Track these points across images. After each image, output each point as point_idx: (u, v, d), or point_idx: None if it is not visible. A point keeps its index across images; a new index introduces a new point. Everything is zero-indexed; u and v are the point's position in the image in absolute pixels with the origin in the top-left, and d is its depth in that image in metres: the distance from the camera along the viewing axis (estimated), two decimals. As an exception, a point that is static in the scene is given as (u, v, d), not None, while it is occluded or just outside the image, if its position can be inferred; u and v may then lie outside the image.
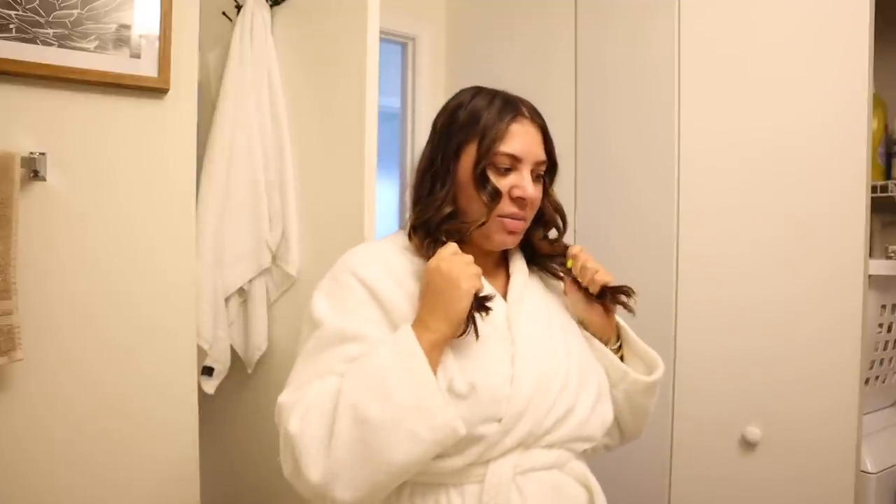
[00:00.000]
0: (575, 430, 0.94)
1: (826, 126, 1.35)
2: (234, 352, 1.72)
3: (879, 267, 1.42)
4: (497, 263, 1.05)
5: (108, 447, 1.34)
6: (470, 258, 0.91)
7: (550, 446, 0.92)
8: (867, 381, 1.44)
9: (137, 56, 1.35)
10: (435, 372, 0.85)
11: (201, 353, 1.58)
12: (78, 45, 1.28)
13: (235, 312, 1.72)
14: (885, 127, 1.66)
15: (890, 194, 1.56)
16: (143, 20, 1.35)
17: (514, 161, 0.96)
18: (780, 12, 1.42)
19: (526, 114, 0.99)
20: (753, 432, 1.43)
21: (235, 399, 1.80)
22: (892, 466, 1.41)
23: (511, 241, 1.00)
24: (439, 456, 0.85)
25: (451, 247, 0.92)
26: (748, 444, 1.44)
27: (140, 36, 1.35)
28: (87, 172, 1.32)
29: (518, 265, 1.05)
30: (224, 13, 1.76)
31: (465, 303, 0.87)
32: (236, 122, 1.66)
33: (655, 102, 1.62)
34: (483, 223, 0.95)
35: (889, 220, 1.73)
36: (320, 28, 1.63)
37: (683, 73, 1.57)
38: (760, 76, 1.45)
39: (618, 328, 1.12)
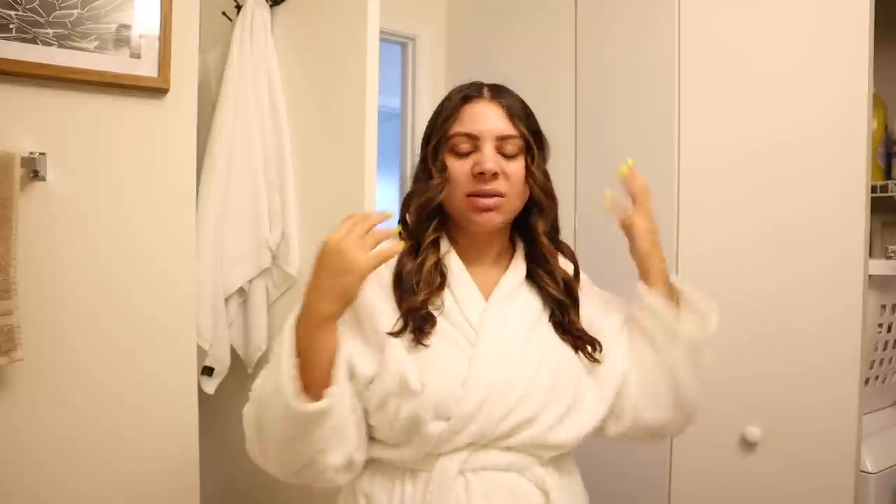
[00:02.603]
0: (537, 437, 0.92)
1: (826, 126, 1.35)
2: (234, 352, 1.72)
3: (879, 267, 1.42)
4: (498, 257, 1.04)
5: (108, 447, 1.34)
6: (371, 237, 0.87)
7: (508, 449, 0.92)
8: (867, 381, 1.44)
9: (137, 56, 1.35)
10: (331, 348, 0.87)
11: (201, 353, 1.58)
12: (78, 45, 1.29)
13: (235, 312, 1.72)
14: (885, 127, 1.66)
15: (890, 194, 1.56)
16: (143, 20, 1.35)
17: (472, 140, 0.96)
18: (780, 12, 1.42)
19: (485, 94, 0.99)
20: (753, 432, 1.43)
21: (235, 399, 1.80)
22: (892, 466, 1.41)
23: (488, 220, 0.97)
24: (395, 444, 0.92)
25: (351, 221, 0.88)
26: (748, 444, 1.44)
27: (140, 36, 1.35)
28: (87, 172, 1.32)
29: (517, 262, 1.04)
30: (224, 13, 1.76)
31: (350, 279, 0.85)
32: (236, 122, 1.66)
33: (656, 101, 1.62)
34: (431, 201, 0.96)
35: (889, 220, 1.73)
36: (320, 28, 1.63)
37: (683, 72, 1.57)
38: (760, 75, 1.45)
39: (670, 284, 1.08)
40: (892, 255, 1.59)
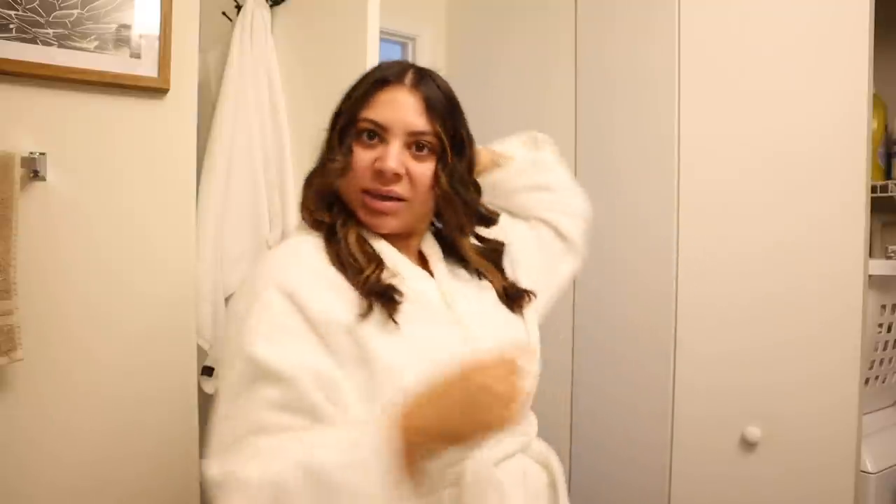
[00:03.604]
0: (527, 395, 0.86)
1: (826, 126, 1.35)
2: (234, 352, 1.72)
3: (879, 267, 1.42)
4: (415, 248, 0.96)
5: (108, 447, 1.34)
6: (519, 371, 0.73)
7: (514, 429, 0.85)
8: (867, 381, 1.44)
9: (137, 56, 1.35)
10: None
11: (201, 353, 1.58)
12: (78, 45, 1.28)
13: (235, 312, 1.72)
14: (885, 127, 1.66)
15: (890, 194, 1.56)
16: (143, 20, 1.35)
17: (379, 129, 0.86)
18: (780, 12, 1.42)
19: (406, 81, 0.88)
20: (753, 432, 1.43)
21: (235, 399, 1.80)
22: (892, 466, 1.41)
23: (381, 224, 0.88)
24: None
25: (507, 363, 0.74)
26: (748, 444, 1.44)
27: (140, 36, 1.35)
28: (87, 173, 1.32)
29: (431, 248, 0.97)
30: (224, 13, 1.76)
31: (494, 429, 0.73)
32: (236, 122, 1.66)
33: (655, 101, 1.62)
34: (329, 186, 0.87)
35: (889, 220, 1.73)
36: (320, 28, 1.63)
37: (683, 72, 1.57)
38: (760, 75, 1.45)
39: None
40: (892, 255, 1.59)
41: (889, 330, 1.50)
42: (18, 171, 1.19)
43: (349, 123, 0.88)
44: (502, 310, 0.97)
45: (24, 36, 1.23)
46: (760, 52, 1.45)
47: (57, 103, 1.28)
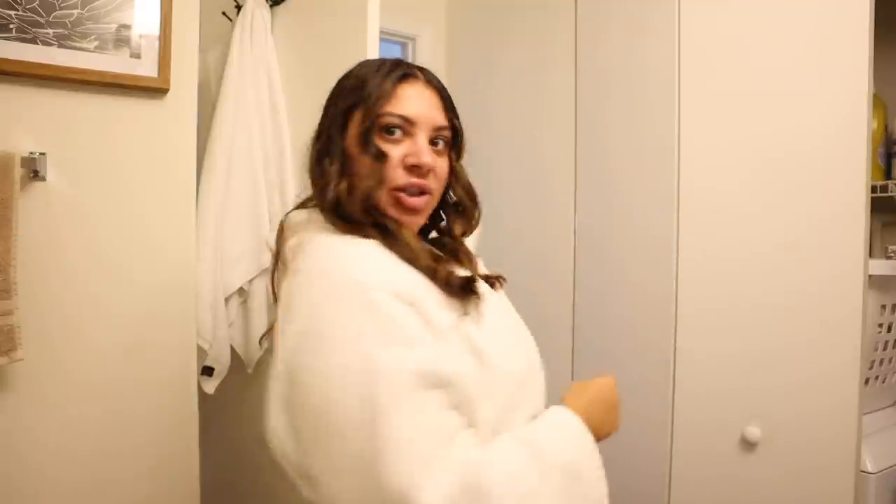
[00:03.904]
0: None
1: (826, 126, 1.35)
2: (234, 352, 1.72)
3: (879, 267, 1.42)
4: None
5: (108, 447, 1.34)
6: (613, 380, 0.91)
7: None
8: (867, 381, 1.44)
9: (137, 56, 1.35)
10: None
11: (201, 353, 1.58)
12: (78, 45, 1.28)
13: (235, 312, 1.72)
14: (885, 127, 1.66)
15: (890, 194, 1.56)
16: (143, 20, 1.35)
17: (406, 124, 0.85)
18: (780, 12, 1.42)
19: (419, 76, 0.89)
20: (753, 432, 1.43)
21: (235, 399, 1.80)
22: (892, 466, 1.41)
23: (412, 221, 0.87)
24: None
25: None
26: (748, 444, 1.44)
27: (140, 36, 1.35)
28: (87, 173, 1.32)
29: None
30: (224, 13, 1.76)
31: (611, 433, 0.90)
32: (236, 122, 1.66)
33: (656, 101, 1.62)
34: (371, 190, 0.82)
35: (889, 220, 1.73)
36: (320, 28, 1.63)
37: (683, 72, 1.57)
38: (760, 75, 1.45)
39: None
40: (892, 255, 1.59)
41: (889, 330, 1.50)
42: (18, 171, 1.19)
43: (368, 117, 0.85)
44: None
45: (24, 36, 1.23)
46: (760, 52, 1.45)
47: (57, 103, 1.28)
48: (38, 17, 1.24)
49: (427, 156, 0.85)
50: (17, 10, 1.22)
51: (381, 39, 1.52)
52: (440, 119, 0.88)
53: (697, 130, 1.55)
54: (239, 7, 1.71)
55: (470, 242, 1.07)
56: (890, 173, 1.66)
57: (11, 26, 1.22)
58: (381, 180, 0.83)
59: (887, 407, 1.60)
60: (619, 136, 1.72)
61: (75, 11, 1.28)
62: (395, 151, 0.85)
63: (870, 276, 1.32)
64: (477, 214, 0.96)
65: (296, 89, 1.70)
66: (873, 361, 1.46)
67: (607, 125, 1.75)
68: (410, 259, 0.82)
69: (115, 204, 1.35)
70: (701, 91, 1.55)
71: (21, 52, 1.23)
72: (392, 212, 0.86)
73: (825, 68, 1.36)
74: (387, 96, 0.85)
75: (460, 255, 0.95)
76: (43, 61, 1.25)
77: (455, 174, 0.91)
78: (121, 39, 1.33)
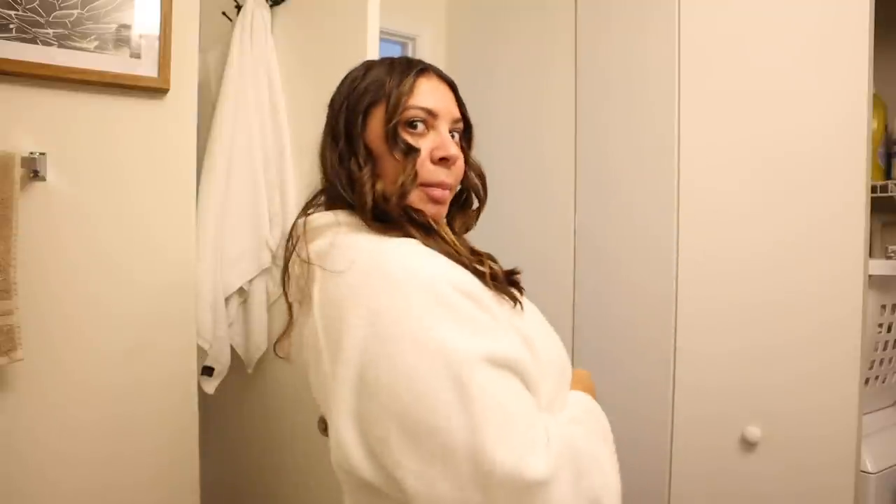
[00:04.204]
0: None
1: (826, 126, 1.35)
2: (234, 352, 1.72)
3: (879, 267, 1.42)
4: None
5: (108, 446, 1.34)
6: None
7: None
8: (867, 381, 1.44)
9: (137, 56, 1.35)
10: None
11: (201, 353, 1.58)
12: (78, 45, 1.29)
13: (235, 312, 1.72)
14: (885, 127, 1.66)
15: (890, 194, 1.56)
16: (143, 20, 1.35)
17: (430, 116, 0.85)
18: (780, 12, 1.42)
19: (432, 71, 0.90)
20: (753, 432, 1.43)
21: (235, 399, 1.80)
22: (892, 466, 1.41)
23: (438, 214, 0.88)
24: None
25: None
26: (748, 444, 1.44)
27: (140, 36, 1.35)
28: (87, 173, 1.32)
29: None
30: (224, 13, 1.76)
31: None
32: (236, 122, 1.66)
33: (655, 100, 1.62)
34: (403, 185, 0.82)
35: (889, 220, 1.73)
36: (320, 28, 1.63)
37: (683, 73, 1.57)
38: (760, 75, 1.45)
39: None
40: (892, 255, 1.59)
41: (889, 330, 1.50)
42: (18, 171, 1.19)
43: (394, 113, 0.84)
44: None
45: (24, 36, 1.23)
46: (760, 52, 1.45)
47: (57, 103, 1.28)
48: (38, 17, 1.24)
49: (454, 147, 0.86)
50: (17, 10, 1.22)
51: (381, 39, 1.52)
52: (456, 111, 0.90)
53: (697, 130, 1.55)
54: (239, 7, 1.71)
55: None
56: (890, 173, 1.66)
57: (11, 26, 1.22)
58: (415, 176, 0.83)
59: (887, 407, 1.60)
60: (618, 136, 1.72)
61: (75, 11, 1.28)
62: (422, 145, 0.85)
63: (870, 276, 1.32)
64: (485, 198, 0.96)
65: (296, 89, 1.70)
66: (873, 361, 1.46)
67: (607, 125, 1.75)
68: (452, 255, 0.81)
69: (115, 204, 1.35)
70: (701, 91, 1.55)
71: (21, 52, 1.23)
72: (423, 206, 0.85)
73: (825, 68, 1.36)
74: (408, 91, 0.85)
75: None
76: (43, 61, 1.25)
77: (469, 164, 0.92)
78: (121, 39, 1.33)
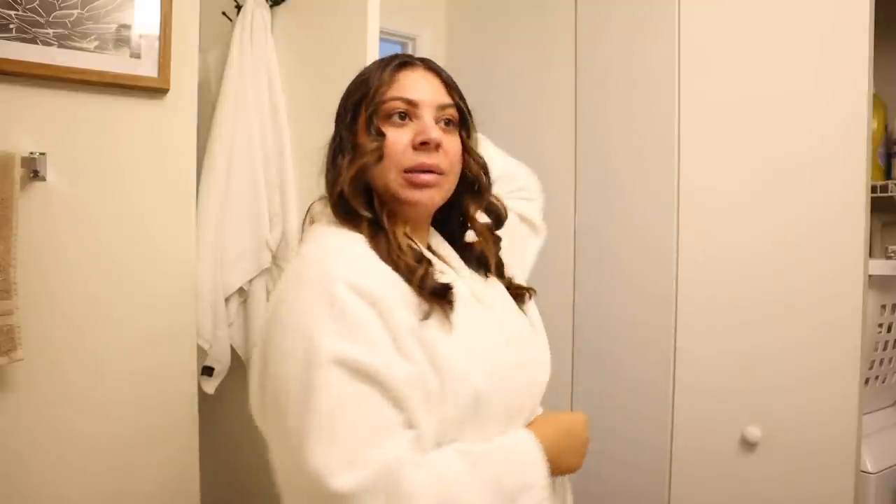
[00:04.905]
0: (544, 387, 0.94)
1: (826, 126, 1.35)
2: (234, 352, 1.72)
3: (879, 267, 1.42)
4: (426, 244, 0.94)
5: (108, 446, 1.34)
6: (585, 417, 0.92)
7: (535, 410, 0.91)
8: (867, 381, 1.44)
9: (137, 56, 1.35)
10: None
11: (201, 353, 1.58)
12: (78, 45, 1.28)
13: (235, 312, 1.72)
14: (885, 127, 1.66)
15: (890, 194, 1.56)
16: (143, 20, 1.35)
17: (410, 106, 0.86)
18: (780, 12, 1.42)
19: (418, 63, 0.91)
20: (753, 432, 1.43)
21: (235, 399, 1.80)
22: (892, 466, 1.41)
23: (428, 199, 0.87)
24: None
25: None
26: (748, 445, 1.44)
27: (140, 36, 1.35)
28: (87, 173, 1.32)
29: (442, 245, 0.95)
30: (224, 13, 1.76)
31: (573, 470, 0.90)
32: (236, 122, 1.66)
33: (655, 100, 1.62)
34: (367, 168, 0.84)
35: (889, 220, 1.73)
36: (320, 28, 1.63)
37: (683, 72, 1.57)
38: (760, 75, 1.45)
39: None
40: (892, 255, 1.59)
41: (889, 330, 1.50)
42: (18, 171, 1.19)
43: (376, 108, 0.87)
44: (514, 305, 0.98)
45: (24, 36, 1.23)
46: (760, 52, 1.45)
47: (57, 103, 1.28)
48: (38, 17, 1.24)
49: (434, 131, 0.85)
50: (17, 10, 1.22)
51: (381, 39, 1.52)
52: (443, 97, 0.89)
53: (698, 130, 1.55)
54: (239, 7, 1.71)
55: (530, 251, 1.13)
56: (890, 173, 1.66)
57: (11, 26, 1.22)
58: (379, 157, 0.85)
59: (887, 407, 1.60)
60: (618, 136, 1.72)
61: (75, 11, 1.28)
62: (402, 135, 0.86)
63: (870, 276, 1.32)
64: (489, 191, 0.96)
65: (296, 89, 1.70)
66: (873, 361, 1.46)
67: (607, 125, 1.75)
68: (391, 256, 0.82)
69: (115, 204, 1.35)
70: (701, 91, 1.55)
71: (21, 52, 1.23)
72: (405, 194, 0.86)
73: (825, 69, 1.36)
74: (387, 83, 0.87)
75: (488, 262, 0.96)
76: (43, 61, 1.25)
77: (468, 151, 0.91)
78: (121, 39, 1.33)
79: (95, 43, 1.30)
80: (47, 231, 1.27)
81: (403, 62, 0.90)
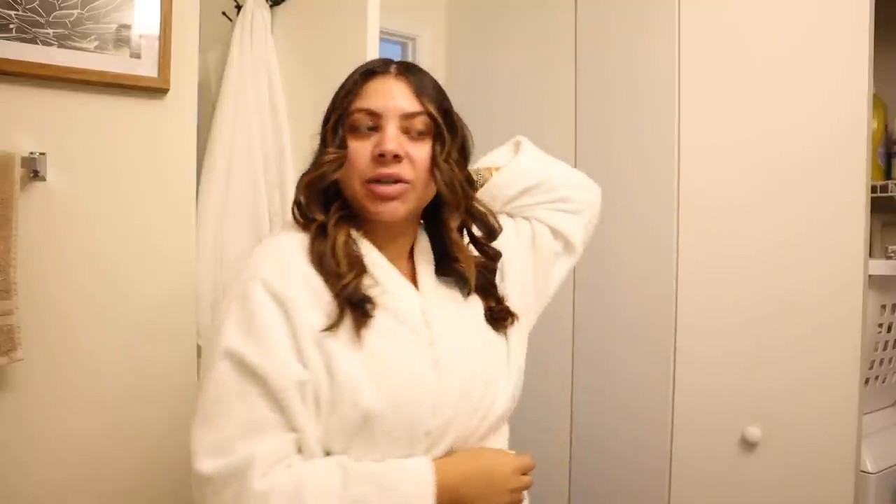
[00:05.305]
0: (498, 417, 0.91)
1: (826, 126, 1.35)
2: (234, 352, 1.72)
3: (879, 267, 1.42)
4: (405, 251, 0.96)
5: (108, 446, 1.34)
6: (519, 462, 0.87)
7: (481, 439, 0.89)
8: (867, 381, 1.44)
9: (137, 56, 1.35)
10: None
11: (201, 352, 1.57)
12: (78, 45, 1.28)
13: (235, 312, 1.71)
14: (885, 127, 1.66)
15: (890, 194, 1.56)
16: (143, 20, 1.35)
17: (372, 117, 0.87)
18: (780, 12, 1.42)
19: (391, 70, 0.90)
20: (753, 432, 1.43)
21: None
22: (892, 466, 1.41)
23: (389, 211, 0.87)
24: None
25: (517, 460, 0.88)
26: (748, 445, 1.44)
27: (140, 36, 1.35)
28: (87, 173, 1.32)
29: (425, 256, 0.96)
30: (224, 13, 1.76)
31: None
32: (236, 122, 1.66)
33: (656, 101, 1.62)
34: (320, 178, 0.87)
35: (889, 220, 1.73)
36: (320, 28, 1.63)
37: (683, 72, 1.57)
38: (760, 76, 1.45)
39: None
40: (892, 255, 1.59)
41: (889, 330, 1.50)
42: (18, 171, 1.19)
43: (341, 118, 0.89)
44: (484, 329, 0.96)
45: (24, 36, 1.23)
46: (760, 53, 1.45)
47: (57, 103, 1.28)
48: (38, 17, 1.24)
49: (390, 143, 0.85)
50: (17, 10, 1.22)
51: (381, 39, 1.52)
52: (410, 106, 0.88)
53: (698, 130, 1.55)
54: (239, 7, 1.71)
55: (559, 270, 1.09)
56: (890, 173, 1.66)
57: (11, 26, 1.22)
58: (338, 167, 0.87)
59: (887, 407, 1.61)
60: (619, 136, 1.72)
61: (75, 11, 1.28)
62: (365, 145, 0.87)
63: (870, 276, 1.33)
64: (462, 207, 0.93)
65: (296, 89, 1.70)
66: (873, 361, 1.47)
67: (607, 125, 1.75)
68: (321, 261, 0.84)
69: (114, 204, 1.35)
70: (701, 91, 1.55)
71: (21, 52, 1.23)
72: (369, 206, 0.87)
73: (825, 68, 1.36)
74: (354, 92, 0.89)
75: (468, 280, 0.95)
76: (43, 61, 1.25)
77: (435, 162, 0.88)
78: (121, 39, 1.33)
79: (95, 43, 1.30)
80: (47, 231, 1.27)
81: (371, 70, 0.90)
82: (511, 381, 0.94)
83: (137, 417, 1.38)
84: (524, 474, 0.88)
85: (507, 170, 1.07)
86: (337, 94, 0.91)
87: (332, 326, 0.80)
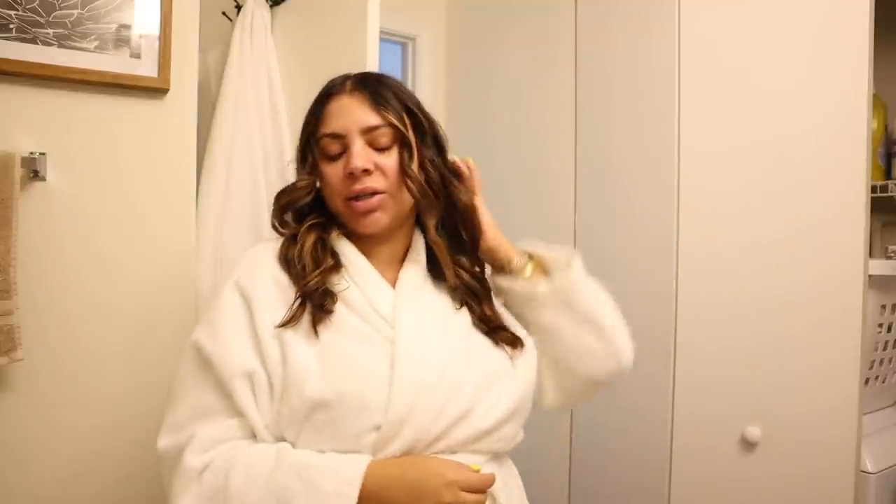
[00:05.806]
0: (481, 431, 0.88)
1: (826, 126, 1.35)
2: (234, 352, 1.72)
3: (879, 267, 1.42)
4: (397, 255, 0.98)
5: (108, 446, 1.34)
6: (462, 477, 0.82)
7: (453, 451, 0.87)
8: (867, 381, 1.44)
9: (137, 56, 1.35)
10: None
11: (201, 353, 1.57)
12: (78, 45, 1.28)
13: (235, 312, 1.71)
14: (885, 127, 1.66)
15: (890, 194, 1.56)
16: (143, 20, 1.35)
17: (337, 140, 0.92)
18: (780, 13, 1.42)
19: (347, 87, 0.94)
20: (753, 432, 1.43)
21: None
22: (892, 466, 1.41)
23: (372, 223, 0.92)
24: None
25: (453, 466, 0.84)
26: (748, 444, 1.44)
27: (140, 36, 1.35)
28: (87, 173, 1.32)
29: (415, 257, 0.98)
30: (224, 13, 1.76)
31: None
32: (236, 122, 1.66)
33: (656, 101, 1.62)
34: (297, 199, 0.96)
35: (889, 220, 1.73)
36: (320, 28, 1.63)
37: (683, 73, 1.57)
38: (760, 76, 1.45)
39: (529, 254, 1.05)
40: (892, 255, 1.59)
41: (889, 330, 1.50)
42: (18, 171, 1.19)
43: (309, 143, 0.95)
44: (471, 337, 0.95)
45: (24, 36, 1.23)
46: (760, 52, 1.45)
47: (57, 103, 1.28)
48: (38, 17, 1.24)
49: (356, 159, 0.89)
50: (17, 10, 1.22)
51: (381, 39, 1.52)
52: (370, 120, 0.91)
53: (698, 130, 1.55)
54: (239, 7, 1.71)
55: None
56: (890, 173, 1.66)
57: (11, 26, 1.22)
58: (308, 192, 0.95)
59: (887, 407, 1.61)
60: (619, 136, 1.72)
61: (75, 11, 1.28)
62: (337, 167, 0.92)
63: (870, 275, 1.33)
64: (438, 208, 0.95)
65: (296, 89, 1.70)
66: (873, 361, 1.47)
67: (607, 125, 1.75)
68: (287, 263, 0.91)
69: (114, 204, 1.35)
70: (701, 91, 1.55)
71: (21, 52, 1.23)
72: (354, 224, 0.93)
73: (825, 68, 1.36)
74: (315, 117, 0.95)
75: (473, 290, 0.97)
76: (43, 61, 1.25)
77: (404, 171, 0.92)
78: (121, 39, 1.33)
79: (95, 43, 1.30)
80: (47, 231, 1.27)
81: (328, 92, 0.95)
82: (505, 397, 0.91)
83: (138, 417, 1.38)
84: (476, 492, 0.83)
85: (569, 284, 1.04)
86: (306, 117, 0.97)
87: (289, 321, 0.85)
